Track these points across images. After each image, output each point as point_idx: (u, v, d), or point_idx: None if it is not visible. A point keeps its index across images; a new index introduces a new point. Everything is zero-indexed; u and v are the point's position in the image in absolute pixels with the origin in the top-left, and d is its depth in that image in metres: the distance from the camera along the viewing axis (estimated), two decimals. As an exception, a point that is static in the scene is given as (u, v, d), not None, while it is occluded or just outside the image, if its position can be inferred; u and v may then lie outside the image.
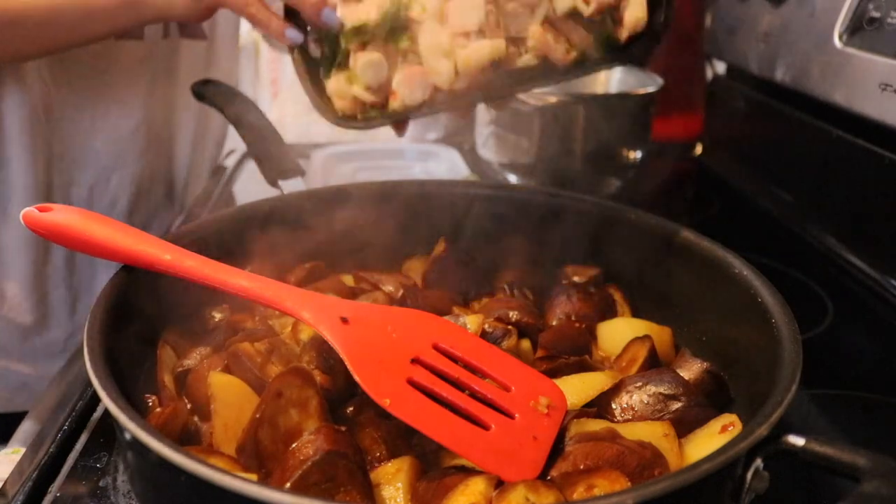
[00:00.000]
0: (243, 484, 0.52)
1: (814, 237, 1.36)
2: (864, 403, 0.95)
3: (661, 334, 0.87)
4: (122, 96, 1.26)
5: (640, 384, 0.74)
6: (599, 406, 0.74)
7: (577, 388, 0.75)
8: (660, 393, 0.72)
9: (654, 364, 0.81)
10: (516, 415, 0.68)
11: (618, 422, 0.71)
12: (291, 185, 1.03)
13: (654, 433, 0.67)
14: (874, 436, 0.90)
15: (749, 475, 0.58)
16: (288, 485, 0.59)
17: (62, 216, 0.76)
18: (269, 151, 1.06)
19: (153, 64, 1.30)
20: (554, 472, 0.64)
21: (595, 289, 0.95)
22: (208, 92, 1.16)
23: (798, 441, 0.58)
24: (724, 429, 0.69)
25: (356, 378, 0.66)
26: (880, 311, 1.18)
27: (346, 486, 0.60)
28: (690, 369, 0.79)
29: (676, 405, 0.72)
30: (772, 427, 0.58)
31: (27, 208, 0.76)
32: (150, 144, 1.34)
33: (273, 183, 1.04)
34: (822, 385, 0.95)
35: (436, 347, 0.72)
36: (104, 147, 1.26)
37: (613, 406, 0.73)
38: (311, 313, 0.71)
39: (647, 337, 0.83)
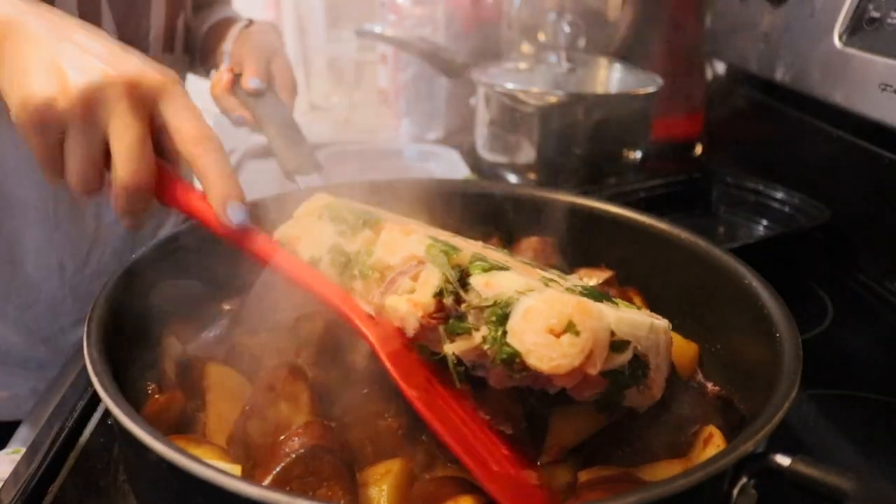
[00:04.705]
0: (214, 474, 0.52)
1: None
2: (864, 403, 0.95)
3: (685, 348, 0.85)
4: None
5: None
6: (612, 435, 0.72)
7: None
8: (676, 414, 0.72)
9: (671, 378, 0.79)
10: (511, 470, 0.66)
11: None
12: (308, 182, 1.03)
13: (673, 473, 0.66)
14: (874, 436, 0.90)
15: (735, 492, 0.57)
16: (270, 477, 0.59)
17: None
18: (289, 145, 1.06)
19: None
20: None
21: (613, 290, 0.94)
22: (236, 88, 1.16)
23: (784, 460, 0.57)
24: (705, 443, 0.68)
25: (387, 365, 0.65)
26: (880, 311, 1.18)
27: (330, 482, 0.60)
28: (702, 391, 0.79)
29: (693, 427, 0.71)
30: (758, 445, 0.58)
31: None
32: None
33: (290, 177, 1.04)
34: (822, 385, 0.95)
35: None
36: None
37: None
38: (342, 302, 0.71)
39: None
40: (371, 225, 0.74)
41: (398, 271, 0.69)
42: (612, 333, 0.62)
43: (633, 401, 0.68)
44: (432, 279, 0.66)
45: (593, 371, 0.61)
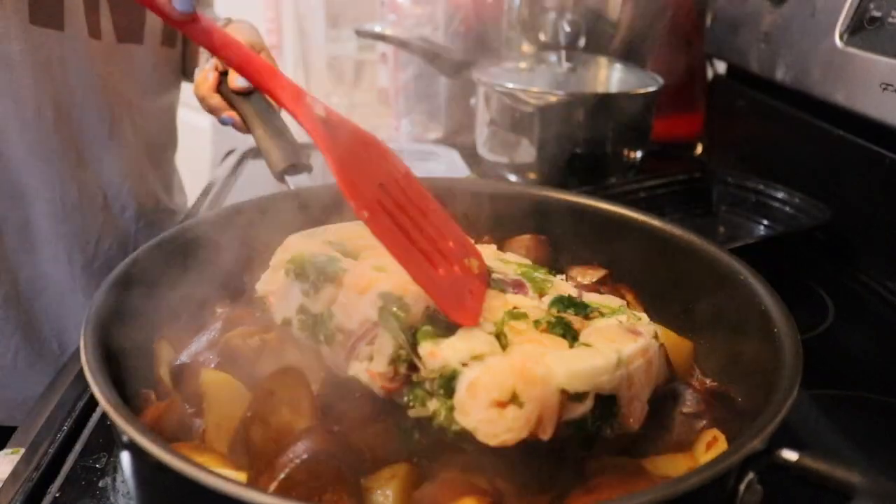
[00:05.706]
0: (225, 483, 0.52)
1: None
2: (864, 403, 0.95)
3: (679, 346, 0.85)
4: (135, 103, 1.26)
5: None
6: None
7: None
8: (682, 413, 0.72)
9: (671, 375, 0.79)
10: (455, 266, 0.68)
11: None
12: (298, 182, 1.02)
13: (679, 468, 0.67)
14: (874, 436, 0.89)
15: (741, 488, 0.57)
16: (275, 483, 0.59)
17: None
18: (277, 145, 1.05)
19: (159, 71, 1.30)
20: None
21: (605, 288, 0.94)
22: (222, 87, 1.15)
23: (791, 456, 0.57)
24: (708, 446, 0.68)
25: (339, 182, 0.63)
26: (880, 312, 1.18)
27: (335, 487, 0.60)
28: (700, 387, 0.78)
29: (700, 423, 0.71)
30: (764, 441, 0.58)
31: None
32: (153, 151, 1.34)
33: (280, 178, 1.03)
34: (823, 385, 0.95)
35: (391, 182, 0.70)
36: (118, 155, 1.25)
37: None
38: (294, 99, 0.68)
39: (661, 346, 0.82)
40: (332, 278, 0.72)
41: (356, 336, 0.69)
42: (565, 391, 0.61)
43: (612, 432, 0.67)
44: (386, 347, 0.66)
45: (545, 436, 0.61)
